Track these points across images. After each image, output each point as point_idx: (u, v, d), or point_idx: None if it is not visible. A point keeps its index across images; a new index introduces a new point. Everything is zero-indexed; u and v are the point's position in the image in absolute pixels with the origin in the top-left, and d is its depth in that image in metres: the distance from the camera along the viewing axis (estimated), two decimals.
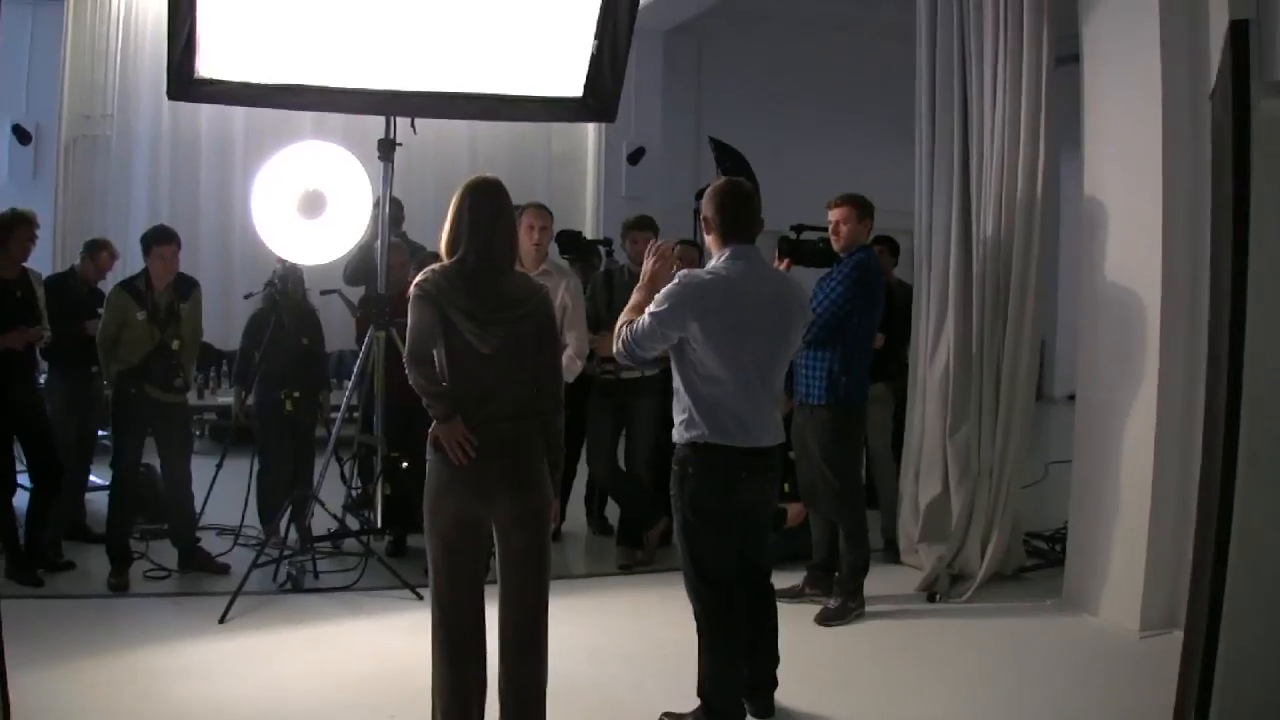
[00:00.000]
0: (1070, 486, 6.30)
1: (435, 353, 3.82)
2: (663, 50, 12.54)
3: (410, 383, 3.85)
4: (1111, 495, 5.88)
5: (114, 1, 10.90)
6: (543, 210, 6.49)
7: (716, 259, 4.11)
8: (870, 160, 11.28)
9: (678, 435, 4.06)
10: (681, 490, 4.05)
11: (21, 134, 10.78)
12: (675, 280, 4.00)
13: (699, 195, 9.86)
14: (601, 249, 8.46)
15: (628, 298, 6.51)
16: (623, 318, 4.13)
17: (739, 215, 4.12)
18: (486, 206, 3.87)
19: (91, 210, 10.85)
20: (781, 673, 4.49)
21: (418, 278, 3.82)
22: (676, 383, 4.06)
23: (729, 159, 8.75)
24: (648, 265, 4.23)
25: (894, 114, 12.37)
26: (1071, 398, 14.05)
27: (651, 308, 3.98)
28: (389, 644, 5.40)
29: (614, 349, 4.15)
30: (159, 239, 6.37)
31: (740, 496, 4.06)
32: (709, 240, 4.18)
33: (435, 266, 3.86)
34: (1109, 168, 6.01)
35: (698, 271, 4.11)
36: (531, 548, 3.87)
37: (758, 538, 4.23)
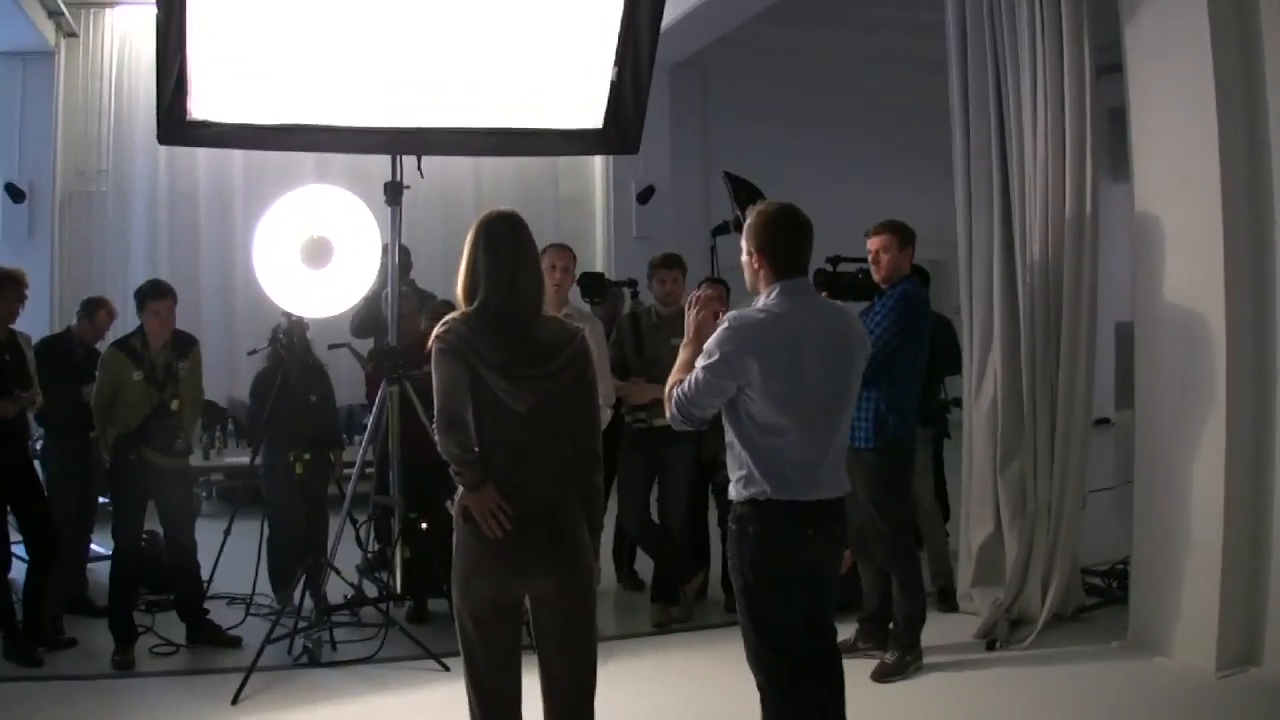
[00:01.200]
0: (1133, 517, 5.93)
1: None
2: (668, 86, 12.25)
3: (440, 449, 3.45)
4: (1180, 525, 5.56)
5: (106, 54, 10.83)
6: (565, 250, 6.13)
7: (765, 295, 3.70)
8: (892, 188, 11.14)
9: (735, 493, 3.66)
10: (741, 551, 3.65)
11: (14, 192, 10.54)
12: (723, 325, 3.61)
13: (715, 232, 9.69)
14: (626, 291, 8.12)
15: (656, 340, 6.32)
16: (672, 378, 3.73)
17: (792, 245, 3.71)
18: (505, 242, 3.52)
19: (89, 268, 10.75)
20: None
21: (437, 329, 3.43)
22: (730, 437, 3.66)
23: (745, 192, 8.45)
24: (691, 318, 3.82)
25: (913, 140, 12.38)
26: (1099, 422, 13.87)
27: (701, 360, 3.58)
28: None
29: (667, 414, 3.73)
30: (153, 294, 6.08)
31: (807, 556, 3.68)
32: (755, 275, 3.76)
33: (455, 314, 3.48)
34: (1160, 180, 5.72)
35: (747, 311, 3.70)
36: (576, 624, 3.52)
37: (824, 598, 3.84)
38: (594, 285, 7.66)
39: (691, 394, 3.58)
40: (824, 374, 3.59)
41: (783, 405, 3.53)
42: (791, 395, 3.54)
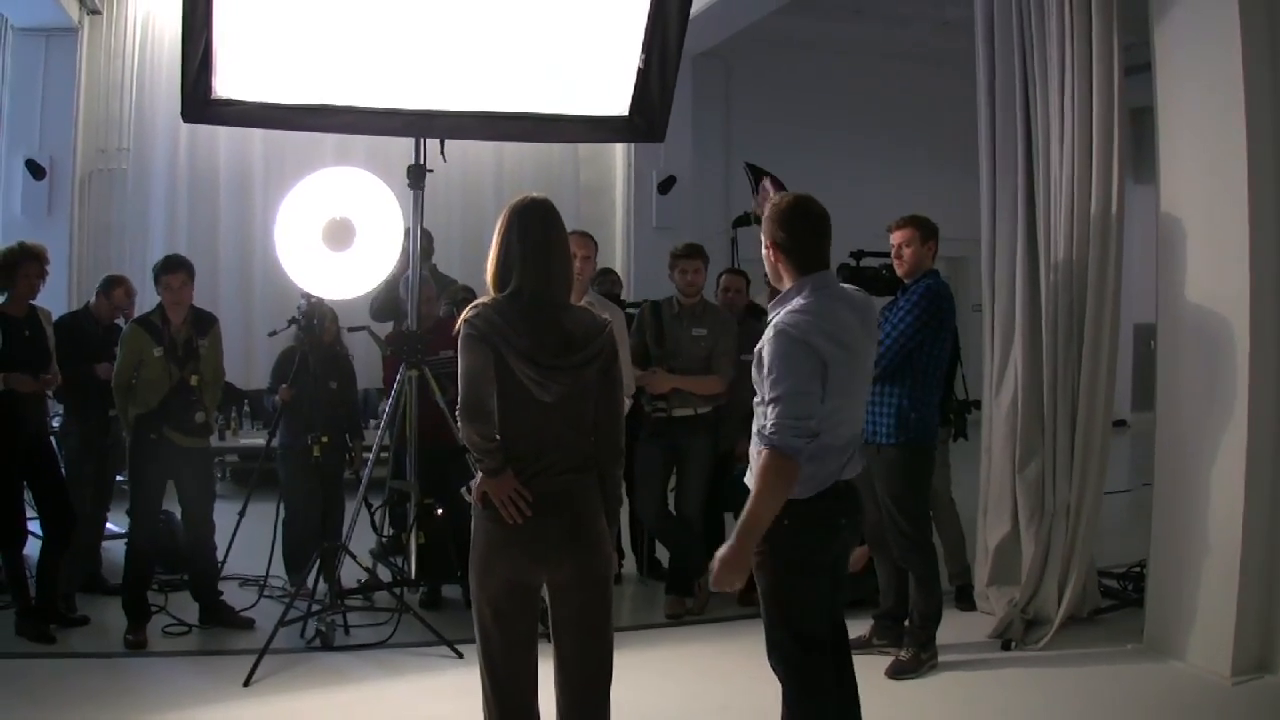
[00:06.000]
0: (1151, 520, 5.87)
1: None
2: (691, 76, 12.18)
3: (461, 437, 3.43)
4: (1198, 530, 5.51)
5: (128, 32, 10.80)
6: (586, 238, 6.02)
7: (798, 296, 3.56)
8: (914, 183, 11.05)
9: None
10: (775, 543, 3.51)
11: (35, 169, 10.50)
12: (773, 339, 3.44)
13: (736, 223, 9.67)
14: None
15: (677, 330, 6.29)
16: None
17: (808, 237, 3.62)
18: (538, 230, 3.45)
19: (108, 246, 10.73)
20: None
21: (466, 313, 3.38)
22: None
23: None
24: None
25: (936, 136, 12.33)
26: (1116, 424, 13.82)
27: (778, 380, 3.37)
28: (429, 709, 5.03)
29: (770, 458, 3.38)
30: (166, 268, 6.06)
31: (837, 544, 3.65)
32: (779, 270, 3.66)
33: (485, 300, 3.43)
34: (1187, 181, 5.65)
35: (788, 316, 3.50)
36: (593, 612, 3.48)
37: (840, 591, 3.79)
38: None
39: (790, 414, 3.34)
40: (854, 365, 3.54)
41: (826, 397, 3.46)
42: (830, 389, 3.47)
